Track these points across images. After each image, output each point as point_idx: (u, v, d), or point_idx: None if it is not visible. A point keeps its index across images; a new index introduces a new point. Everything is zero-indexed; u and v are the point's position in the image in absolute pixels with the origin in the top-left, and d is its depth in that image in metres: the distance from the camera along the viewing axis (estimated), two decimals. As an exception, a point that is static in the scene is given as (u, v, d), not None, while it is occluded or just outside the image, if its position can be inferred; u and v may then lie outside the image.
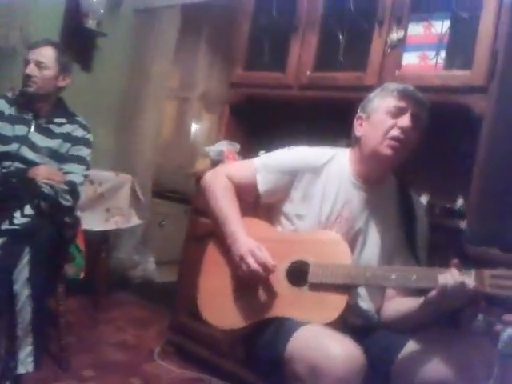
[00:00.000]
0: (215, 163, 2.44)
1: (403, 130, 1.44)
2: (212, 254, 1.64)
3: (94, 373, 2.15)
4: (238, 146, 2.50)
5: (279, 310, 1.43)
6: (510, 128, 1.72)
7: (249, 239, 1.50)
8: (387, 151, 1.45)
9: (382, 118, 1.48)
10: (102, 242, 3.04)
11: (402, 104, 1.46)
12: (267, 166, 1.62)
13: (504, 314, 1.40)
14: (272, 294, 1.45)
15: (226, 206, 1.58)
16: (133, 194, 3.12)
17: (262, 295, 1.47)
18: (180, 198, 3.99)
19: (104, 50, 3.61)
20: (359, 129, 1.55)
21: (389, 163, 1.50)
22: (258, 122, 2.63)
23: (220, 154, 2.46)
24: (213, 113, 4.35)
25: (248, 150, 2.45)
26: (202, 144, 4.21)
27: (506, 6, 1.71)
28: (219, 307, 1.54)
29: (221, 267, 1.58)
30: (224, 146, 2.47)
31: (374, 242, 1.54)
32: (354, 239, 1.52)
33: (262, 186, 1.60)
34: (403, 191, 1.60)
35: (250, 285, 1.48)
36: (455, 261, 1.25)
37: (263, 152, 2.12)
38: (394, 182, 1.61)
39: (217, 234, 1.61)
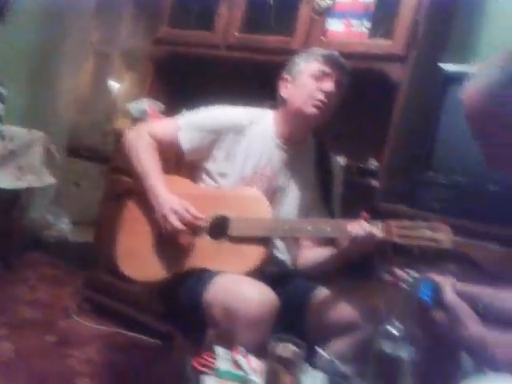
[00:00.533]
0: (137, 121, 2.38)
1: (327, 94, 1.52)
2: (131, 210, 1.64)
3: (8, 331, 2.08)
4: (161, 106, 2.46)
5: (199, 261, 1.47)
6: (423, 96, 1.85)
7: (171, 196, 1.51)
8: (312, 110, 1.53)
9: (307, 80, 1.54)
10: (13, 200, 2.89)
11: (327, 69, 1.54)
12: (191, 124, 1.63)
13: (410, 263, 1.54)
14: (193, 246, 1.49)
15: (148, 163, 1.58)
16: (46, 152, 2.97)
17: (183, 248, 1.50)
18: (97, 156, 3.86)
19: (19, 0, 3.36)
20: (285, 90, 1.61)
21: (313, 122, 1.58)
22: (183, 81, 2.59)
23: (143, 112, 2.40)
24: (135, 71, 4.21)
25: (172, 110, 2.41)
26: (122, 102, 4.07)
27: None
28: (139, 261, 1.56)
29: (140, 222, 1.58)
30: (147, 104, 2.42)
31: (292, 198, 1.61)
32: (274, 196, 1.59)
33: (186, 144, 1.61)
34: (322, 151, 1.68)
35: (171, 238, 1.50)
36: (364, 214, 1.36)
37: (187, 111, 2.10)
38: (313, 142, 1.69)
39: (137, 191, 1.61)
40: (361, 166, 1.96)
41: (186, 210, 1.47)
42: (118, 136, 2.30)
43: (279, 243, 1.58)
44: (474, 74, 1.00)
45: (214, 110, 1.66)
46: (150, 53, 2.61)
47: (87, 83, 4.15)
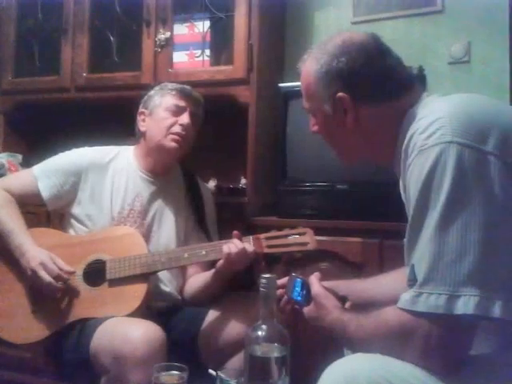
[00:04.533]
0: (-3, 178, 2.28)
1: (184, 127, 1.58)
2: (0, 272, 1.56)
3: None
4: (19, 157, 2.37)
5: (80, 312, 1.44)
6: (269, 114, 1.98)
7: (38, 250, 1.47)
8: (171, 144, 1.58)
9: (163, 115, 1.59)
10: None
11: (182, 103, 1.60)
12: (48, 171, 1.60)
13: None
14: (71, 298, 1.46)
15: (8, 220, 1.52)
16: None
17: (60, 303, 1.46)
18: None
19: None
20: (142, 124, 1.64)
21: (173, 155, 1.62)
22: (38, 128, 2.51)
23: (0, 167, 2.29)
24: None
25: (32, 160, 2.32)
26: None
27: (254, 5, 1.95)
28: (16, 323, 1.49)
29: (12, 284, 1.52)
30: (3, 158, 2.32)
31: (168, 228, 1.64)
32: (148, 230, 1.61)
33: (45, 192, 1.58)
34: (189, 178, 1.74)
35: (46, 295, 1.46)
36: (235, 232, 1.44)
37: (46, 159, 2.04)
38: (179, 171, 1.74)
39: (1, 252, 1.54)
40: (230, 186, 2.04)
41: (54, 263, 1.44)
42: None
43: (164, 275, 1.59)
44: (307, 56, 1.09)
45: (71, 152, 1.65)
46: (-2, 106, 2.50)
47: None
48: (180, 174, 1.74)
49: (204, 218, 1.70)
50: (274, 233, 1.45)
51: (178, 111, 1.59)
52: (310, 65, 1.06)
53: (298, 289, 1.15)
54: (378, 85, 1.01)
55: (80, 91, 2.24)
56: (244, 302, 1.50)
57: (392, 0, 2.14)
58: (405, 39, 2.11)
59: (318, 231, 1.46)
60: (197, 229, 1.69)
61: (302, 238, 1.43)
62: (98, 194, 1.59)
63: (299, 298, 1.13)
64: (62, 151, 1.67)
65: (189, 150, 1.65)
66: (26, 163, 2.29)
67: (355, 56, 1.01)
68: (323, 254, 1.67)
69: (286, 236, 1.44)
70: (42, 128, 2.49)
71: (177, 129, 1.58)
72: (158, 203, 1.64)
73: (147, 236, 1.59)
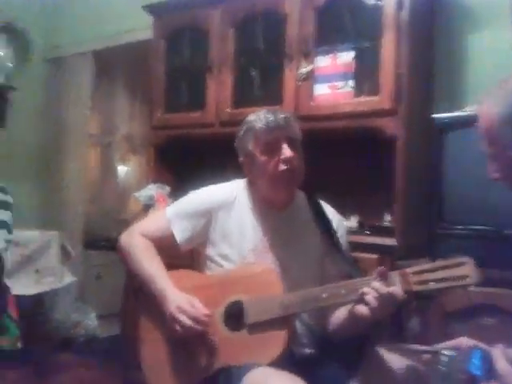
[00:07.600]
0: (147, 208, 2.43)
1: (287, 160, 1.47)
2: (149, 318, 1.57)
3: None
4: (167, 189, 2.49)
5: (223, 359, 1.40)
6: (420, 146, 1.83)
7: (178, 294, 1.46)
8: (283, 185, 1.50)
9: (263, 159, 1.50)
10: (36, 305, 2.87)
11: (271, 138, 1.49)
12: (180, 214, 1.60)
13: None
14: (213, 345, 1.43)
15: (149, 266, 1.54)
16: (62, 251, 3.00)
17: (203, 349, 1.43)
18: (115, 245, 3.86)
19: (16, 104, 3.52)
20: (248, 172, 1.57)
21: (290, 191, 1.55)
22: (185, 161, 2.63)
23: (150, 198, 2.44)
24: (140, 154, 4.32)
25: (178, 191, 2.43)
26: (132, 186, 4.15)
27: (403, 31, 1.83)
28: (166, 374, 1.48)
29: (157, 332, 1.52)
30: (153, 190, 2.46)
31: (302, 257, 1.55)
32: (283, 263, 1.53)
33: (179, 235, 1.58)
34: (312, 201, 1.62)
35: (189, 342, 1.44)
36: (381, 269, 1.29)
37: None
38: (302, 195, 1.63)
39: (147, 298, 1.55)
40: (376, 224, 1.92)
41: (192, 306, 1.42)
42: (129, 224, 2.31)
43: (304, 317, 1.50)
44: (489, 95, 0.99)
45: (198, 192, 1.64)
46: (149, 139, 2.68)
47: (93, 172, 4.26)
48: (302, 198, 1.63)
49: (336, 240, 1.54)
50: (423, 266, 1.27)
51: (272, 149, 1.49)
52: (491, 106, 0.94)
53: (475, 361, 0.99)
54: None
55: (224, 126, 2.30)
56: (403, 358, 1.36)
57: None
58: None
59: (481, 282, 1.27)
60: (330, 252, 1.54)
61: (459, 269, 1.21)
62: (229, 233, 1.56)
63: (478, 373, 0.97)
64: (207, 183, 1.68)
65: (303, 171, 1.53)
66: (174, 195, 2.40)
67: None
68: (488, 308, 1.47)
69: (439, 269, 1.24)
70: (188, 161, 2.60)
71: (282, 167, 1.48)
72: (287, 234, 1.56)
73: (281, 270, 1.51)
